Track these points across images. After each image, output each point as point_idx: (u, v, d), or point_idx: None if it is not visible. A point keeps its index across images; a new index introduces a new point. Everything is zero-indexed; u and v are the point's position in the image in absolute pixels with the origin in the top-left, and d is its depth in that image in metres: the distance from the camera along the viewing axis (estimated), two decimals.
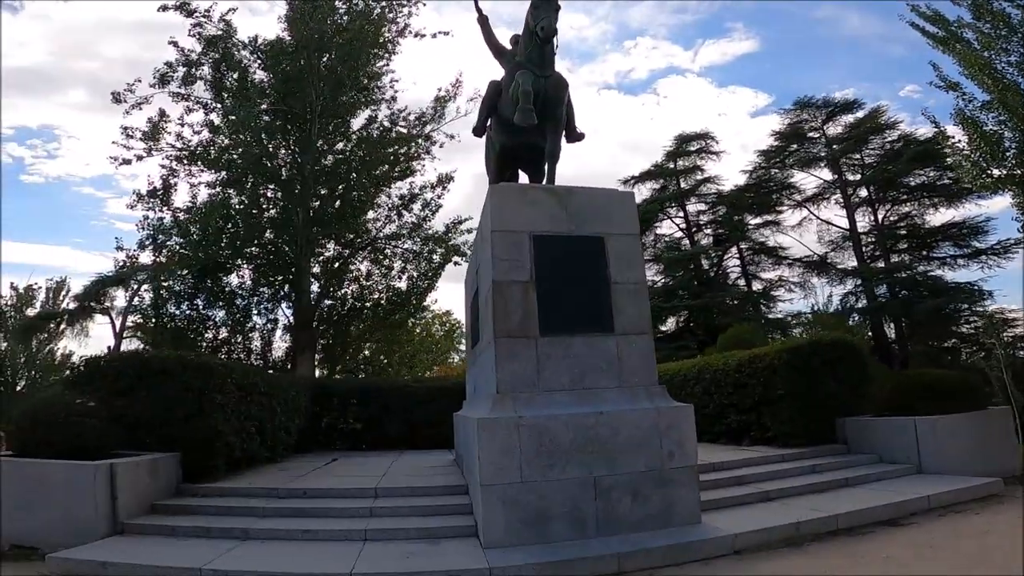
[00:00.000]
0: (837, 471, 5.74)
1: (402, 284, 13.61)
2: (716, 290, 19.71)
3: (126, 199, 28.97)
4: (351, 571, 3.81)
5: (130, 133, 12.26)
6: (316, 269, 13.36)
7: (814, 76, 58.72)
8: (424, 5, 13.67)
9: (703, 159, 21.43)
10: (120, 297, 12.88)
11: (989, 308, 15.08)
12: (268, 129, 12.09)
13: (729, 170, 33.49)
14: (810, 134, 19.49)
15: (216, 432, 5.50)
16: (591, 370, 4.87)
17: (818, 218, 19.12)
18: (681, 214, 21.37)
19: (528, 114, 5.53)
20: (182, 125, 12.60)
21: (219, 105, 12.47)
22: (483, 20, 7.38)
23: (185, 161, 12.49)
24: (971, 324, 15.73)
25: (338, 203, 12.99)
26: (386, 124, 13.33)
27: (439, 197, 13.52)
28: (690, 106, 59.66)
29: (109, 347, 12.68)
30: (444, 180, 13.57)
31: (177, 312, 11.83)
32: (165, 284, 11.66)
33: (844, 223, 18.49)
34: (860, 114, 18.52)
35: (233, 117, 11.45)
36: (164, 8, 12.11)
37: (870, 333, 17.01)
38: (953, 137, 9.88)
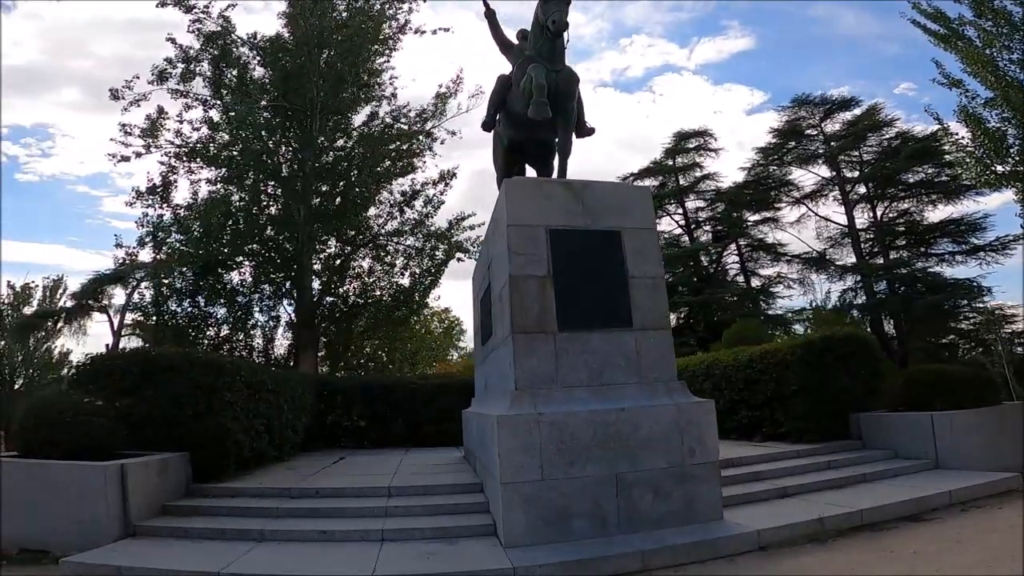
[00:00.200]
0: (854, 467, 5.72)
1: (405, 280, 13.52)
2: (715, 286, 19.76)
3: (122, 197, 28.60)
4: (372, 573, 3.74)
5: (128, 130, 12.10)
6: (317, 266, 13.22)
7: (809, 74, 59.05)
8: (424, 1, 13.54)
9: (702, 156, 21.46)
10: (119, 295, 12.73)
11: (988, 304, 15.18)
12: (268, 126, 11.93)
13: (727, 167, 33.65)
14: (808, 131, 19.53)
15: (226, 431, 5.39)
16: (609, 366, 4.80)
17: (817, 215, 19.20)
18: (680, 211, 21.39)
19: (542, 107, 5.46)
20: (181, 122, 12.46)
21: (218, 102, 12.30)
22: (490, 14, 7.30)
23: (184, 158, 12.32)
24: (969, 320, 15.85)
25: (338, 200, 12.85)
26: (388, 120, 13.19)
27: (442, 193, 13.44)
28: (686, 104, 59.83)
29: (107, 345, 12.50)
30: (447, 176, 13.47)
31: (178, 310, 11.68)
32: (166, 281, 11.49)
33: (842, 220, 18.56)
34: (858, 111, 18.61)
35: (233, 113, 11.27)
36: (163, 4, 11.91)
37: (868, 329, 17.10)
38: (956, 134, 9.98)
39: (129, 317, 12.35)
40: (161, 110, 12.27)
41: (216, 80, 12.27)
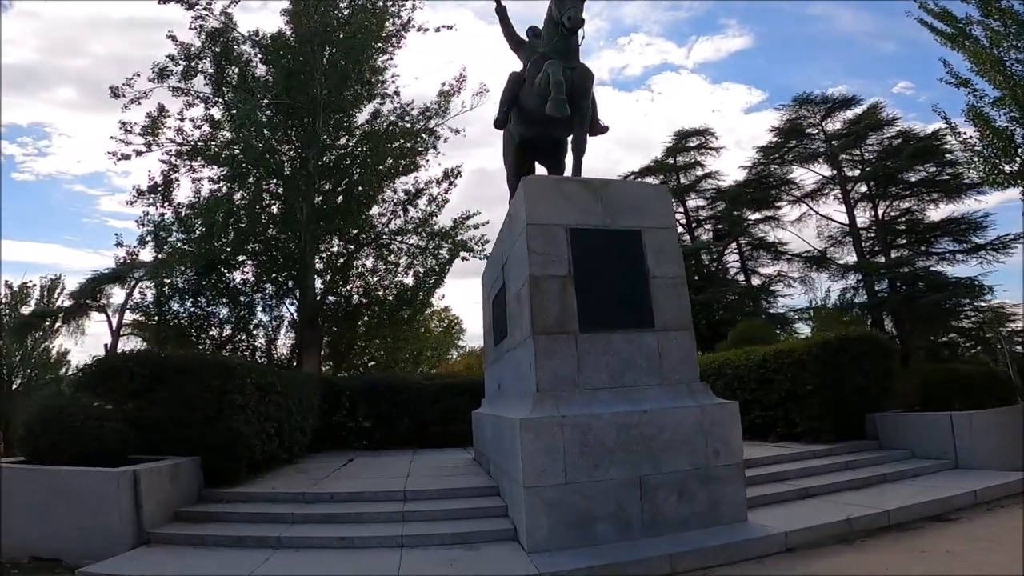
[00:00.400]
0: (873, 467, 5.68)
1: (408, 280, 13.40)
2: (716, 285, 19.75)
3: (119, 197, 28.30)
4: None
5: (129, 128, 11.91)
6: (320, 265, 13.08)
7: (807, 73, 59.29)
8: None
9: (703, 155, 21.46)
10: (117, 294, 12.54)
11: (991, 303, 15.24)
12: (270, 124, 11.77)
13: (728, 166, 33.73)
14: (809, 130, 19.55)
15: (238, 434, 5.28)
16: (631, 367, 4.74)
17: (818, 213, 19.22)
18: (681, 209, 21.36)
19: (561, 104, 5.38)
20: (182, 120, 12.29)
21: (220, 100, 12.14)
22: (502, 11, 7.24)
23: (185, 156, 12.14)
24: (970, 319, 15.92)
25: (340, 199, 12.71)
26: (392, 118, 13.06)
27: (446, 192, 13.31)
28: (684, 103, 59.94)
29: (106, 345, 12.32)
30: (451, 175, 13.34)
31: (180, 309, 11.51)
32: (168, 281, 11.32)
33: (843, 218, 18.61)
34: (859, 110, 18.65)
35: (235, 111, 11.11)
36: (165, 0, 11.71)
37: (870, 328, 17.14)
38: (965, 133, 9.99)
39: (129, 317, 12.18)
40: (162, 108, 12.11)
41: (218, 78, 12.11)
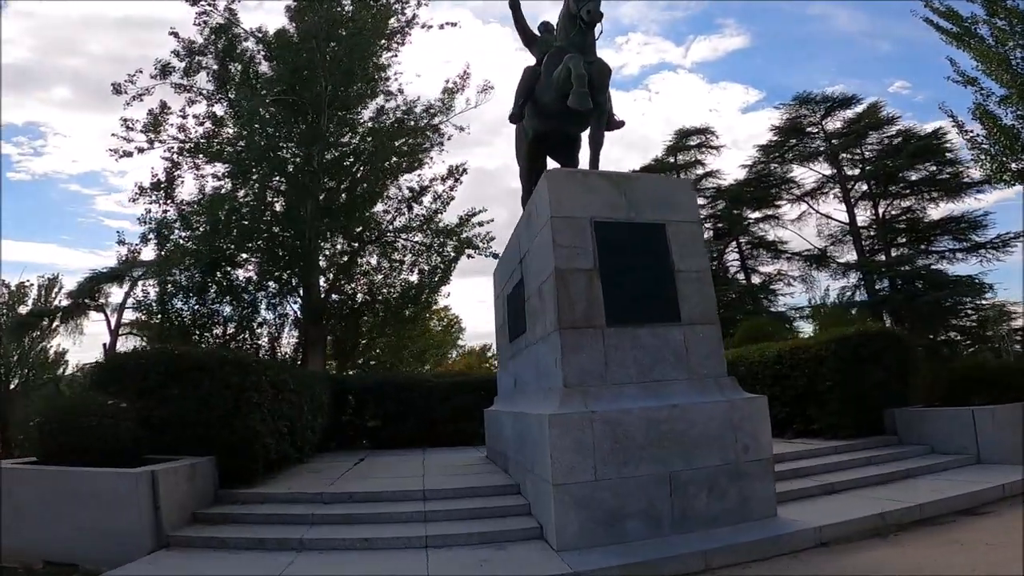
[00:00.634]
0: (895, 462, 5.65)
1: (413, 277, 13.27)
2: (717, 284, 19.71)
3: (115, 196, 27.88)
4: None
5: (130, 125, 11.73)
6: (324, 263, 12.93)
7: (804, 72, 59.68)
8: None
9: (703, 153, 21.50)
10: (116, 294, 12.31)
11: (992, 301, 15.35)
12: (273, 121, 11.62)
13: (728, 165, 33.82)
14: (809, 129, 19.63)
15: (255, 433, 5.15)
16: (659, 362, 4.67)
17: (818, 212, 19.28)
18: None
19: (584, 98, 5.31)
20: (184, 117, 12.13)
21: (223, 97, 11.98)
22: (515, 5, 7.18)
23: (187, 153, 11.97)
24: (970, 318, 16.04)
25: (343, 196, 12.57)
26: (398, 114, 12.95)
27: (451, 189, 13.19)
28: (682, 102, 60.17)
29: (105, 345, 12.08)
30: (456, 172, 13.23)
31: (184, 308, 11.31)
32: (172, 279, 11.14)
33: (843, 217, 18.70)
34: (859, 109, 18.74)
35: (242, 106, 10.96)
36: None
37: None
38: (972, 131, 10.06)
39: (128, 316, 11.96)
40: (164, 105, 11.94)
41: (221, 74, 11.96)
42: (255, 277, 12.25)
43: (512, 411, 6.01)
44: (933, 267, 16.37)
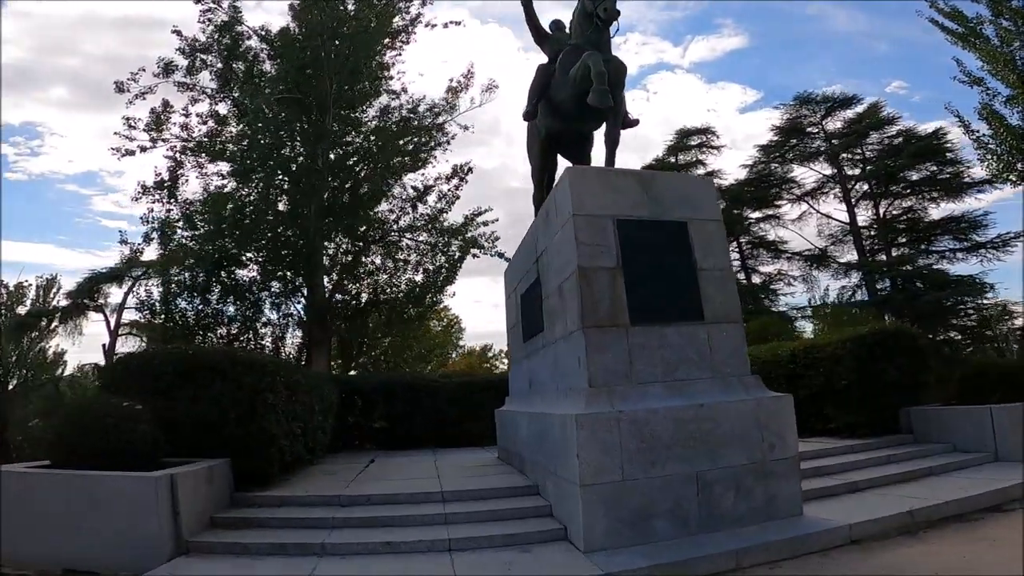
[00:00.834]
0: (915, 461, 5.65)
1: (418, 277, 13.17)
2: None
3: (112, 197, 27.57)
4: None
5: (133, 124, 11.59)
6: (327, 263, 12.81)
7: (802, 72, 60.01)
8: None
9: (704, 153, 21.54)
10: (115, 294, 12.13)
11: (994, 301, 15.45)
12: (276, 120, 11.51)
13: (728, 165, 33.87)
14: (809, 129, 19.70)
15: (271, 435, 5.06)
16: (683, 361, 4.63)
17: (818, 212, 19.33)
18: None
19: (604, 95, 5.27)
20: (187, 116, 11.99)
21: (227, 96, 11.86)
22: (527, 2, 7.13)
23: (190, 152, 11.83)
24: (970, 317, 16.13)
25: (347, 196, 12.47)
26: (404, 113, 12.86)
27: (456, 188, 13.10)
28: (680, 102, 60.33)
29: (104, 345, 11.90)
30: (460, 171, 13.15)
31: (188, 308, 11.16)
32: (176, 278, 11.00)
33: (844, 217, 18.78)
34: (859, 109, 18.82)
35: (247, 104, 10.84)
36: None
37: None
38: (978, 131, 10.13)
39: (128, 317, 11.79)
40: (167, 103, 11.81)
41: (224, 73, 11.84)
42: (258, 277, 12.12)
43: (528, 411, 5.95)
44: (935, 267, 16.47)
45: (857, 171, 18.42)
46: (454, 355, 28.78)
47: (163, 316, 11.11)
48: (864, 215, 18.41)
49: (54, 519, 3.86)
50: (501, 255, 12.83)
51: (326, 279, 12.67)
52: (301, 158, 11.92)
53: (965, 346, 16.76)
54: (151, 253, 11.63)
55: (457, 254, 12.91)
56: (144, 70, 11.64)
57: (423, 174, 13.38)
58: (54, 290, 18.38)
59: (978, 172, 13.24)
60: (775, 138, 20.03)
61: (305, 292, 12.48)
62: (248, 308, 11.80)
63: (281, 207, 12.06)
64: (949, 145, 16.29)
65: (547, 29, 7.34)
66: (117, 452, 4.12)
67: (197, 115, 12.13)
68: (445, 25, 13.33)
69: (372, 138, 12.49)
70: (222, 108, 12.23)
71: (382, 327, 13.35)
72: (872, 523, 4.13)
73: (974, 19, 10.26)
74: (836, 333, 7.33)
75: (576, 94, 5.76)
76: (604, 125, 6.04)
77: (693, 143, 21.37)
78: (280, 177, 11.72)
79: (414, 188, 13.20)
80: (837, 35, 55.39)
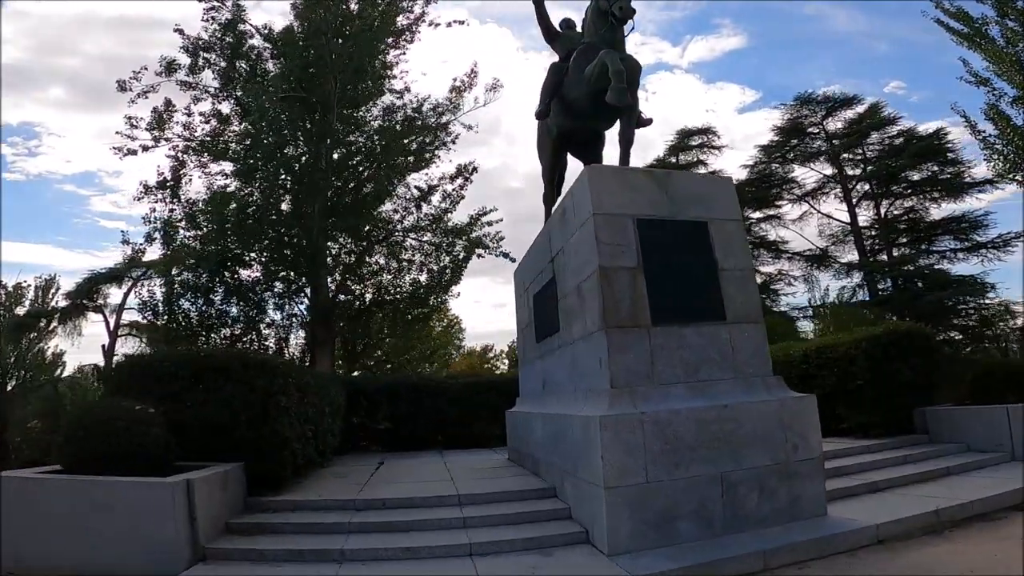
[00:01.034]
0: (932, 461, 5.63)
1: (422, 277, 13.08)
2: None
3: (110, 197, 27.30)
4: None
5: (135, 123, 11.44)
6: (331, 263, 12.70)
7: (801, 73, 60.32)
8: None
9: (705, 154, 21.56)
10: (115, 295, 11.97)
11: (996, 301, 15.52)
12: (278, 119, 11.39)
13: (729, 165, 33.90)
14: (810, 129, 19.74)
15: (284, 438, 4.97)
16: (705, 361, 4.58)
17: (819, 212, 19.36)
18: None
19: (622, 93, 5.21)
20: (189, 115, 11.86)
21: (230, 95, 11.74)
22: (538, 1, 7.06)
23: (193, 152, 11.70)
24: (971, 317, 16.20)
25: (351, 196, 12.37)
26: (408, 112, 12.77)
27: (461, 188, 13.02)
28: (679, 102, 60.48)
29: (103, 346, 11.74)
30: (465, 171, 13.07)
31: (192, 308, 11.03)
32: (179, 279, 10.86)
33: (845, 217, 18.83)
34: (860, 109, 18.87)
35: (251, 103, 10.72)
36: None
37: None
38: (984, 131, 10.17)
39: (128, 318, 11.64)
40: (169, 103, 11.67)
41: (228, 72, 11.71)
42: (262, 277, 12.00)
43: (543, 412, 5.89)
44: (936, 267, 16.52)
45: (858, 171, 18.48)
46: (455, 356, 28.70)
47: (166, 317, 10.97)
48: (865, 215, 18.49)
49: (69, 526, 3.76)
50: (506, 255, 12.76)
51: (329, 279, 12.56)
52: (304, 158, 11.82)
53: (965, 346, 16.87)
54: (153, 253, 11.54)
55: (462, 254, 12.83)
56: (147, 69, 11.56)
57: (427, 174, 13.31)
58: (53, 290, 18.28)
59: (979, 172, 13.31)
60: (776, 138, 20.07)
61: (308, 292, 12.37)
62: (251, 309, 11.68)
63: (284, 207, 11.95)
64: (950, 145, 16.41)
65: (558, 27, 7.29)
66: (128, 456, 4.02)
67: (200, 114, 12.05)
68: (449, 24, 13.27)
69: (376, 138, 12.39)
70: (225, 107, 12.14)
71: (386, 328, 13.24)
72: (897, 523, 4.10)
73: (979, 20, 10.32)
74: (848, 333, 7.29)
75: (591, 92, 5.70)
76: (618, 124, 5.98)
77: (694, 143, 21.40)
78: (283, 177, 11.61)
79: (418, 188, 13.13)
80: (836, 35, 55.73)
